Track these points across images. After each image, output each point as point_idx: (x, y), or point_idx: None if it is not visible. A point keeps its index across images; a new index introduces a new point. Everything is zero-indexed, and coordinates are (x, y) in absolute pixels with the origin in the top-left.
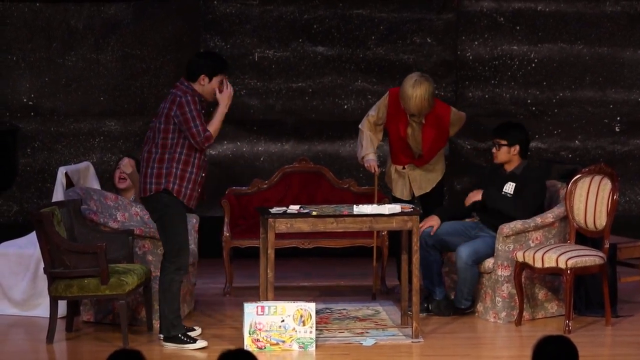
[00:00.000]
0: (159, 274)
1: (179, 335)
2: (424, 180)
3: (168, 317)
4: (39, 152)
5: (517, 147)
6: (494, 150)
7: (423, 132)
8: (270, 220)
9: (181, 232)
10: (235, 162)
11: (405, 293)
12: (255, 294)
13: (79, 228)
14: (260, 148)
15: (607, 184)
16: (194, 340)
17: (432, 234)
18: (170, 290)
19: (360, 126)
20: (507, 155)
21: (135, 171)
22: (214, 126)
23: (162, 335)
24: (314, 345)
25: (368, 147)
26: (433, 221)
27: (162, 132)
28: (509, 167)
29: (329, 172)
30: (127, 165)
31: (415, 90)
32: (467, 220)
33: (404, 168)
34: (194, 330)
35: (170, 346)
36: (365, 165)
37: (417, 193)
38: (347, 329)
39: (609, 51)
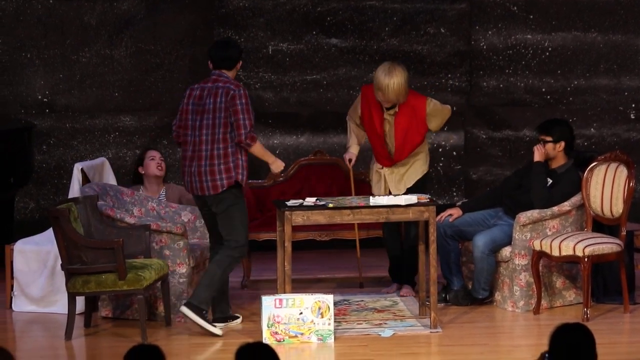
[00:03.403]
0: (177, 268)
1: (204, 312)
2: (399, 179)
3: (208, 296)
4: (55, 149)
5: (563, 144)
6: (538, 146)
7: (395, 123)
8: (287, 213)
9: (247, 225)
10: (251, 155)
11: (423, 284)
12: (272, 287)
13: (95, 224)
14: (275, 141)
15: (623, 171)
16: (214, 325)
17: (451, 221)
18: (223, 276)
19: (347, 118)
20: (552, 152)
21: None
22: (260, 145)
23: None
24: (333, 337)
25: (350, 140)
26: (454, 211)
27: (223, 126)
28: (554, 164)
29: (344, 163)
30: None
31: (392, 78)
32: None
33: (382, 167)
34: (237, 318)
35: (189, 314)
36: (344, 156)
37: (393, 193)
38: (365, 320)
39: (623, 39)
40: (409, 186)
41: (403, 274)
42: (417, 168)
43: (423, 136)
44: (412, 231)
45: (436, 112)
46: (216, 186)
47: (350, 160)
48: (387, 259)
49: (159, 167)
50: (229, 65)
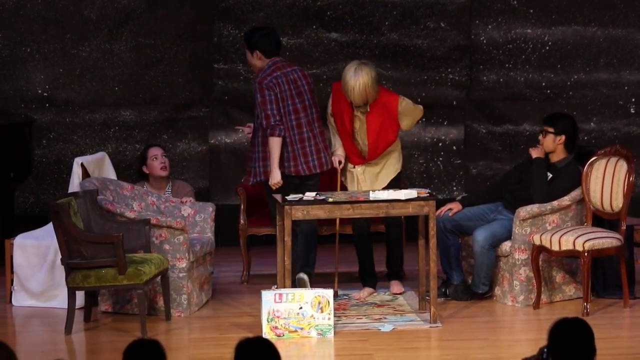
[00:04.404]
0: (177, 263)
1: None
2: (373, 179)
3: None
4: (55, 143)
5: (563, 137)
6: (540, 137)
7: (367, 121)
8: (287, 207)
9: None
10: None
11: (422, 278)
12: (272, 282)
13: (95, 218)
14: None
15: (623, 166)
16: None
17: (450, 215)
18: None
19: (328, 123)
20: (552, 144)
21: None
22: None
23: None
24: (333, 331)
25: (336, 143)
26: (454, 205)
27: (314, 107)
28: (553, 158)
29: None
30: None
31: (358, 79)
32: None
33: (354, 167)
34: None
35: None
36: (332, 159)
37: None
38: (365, 315)
39: (623, 33)
40: (383, 186)
41: (389, 269)
42: (390, 167)
43: (396, 135)
44: (393, 233)
45: (408, 111)
46: (329, 162)
47: (340, 162)
48: (384, 255)
49: (163, 167)
50: (280, 50)
